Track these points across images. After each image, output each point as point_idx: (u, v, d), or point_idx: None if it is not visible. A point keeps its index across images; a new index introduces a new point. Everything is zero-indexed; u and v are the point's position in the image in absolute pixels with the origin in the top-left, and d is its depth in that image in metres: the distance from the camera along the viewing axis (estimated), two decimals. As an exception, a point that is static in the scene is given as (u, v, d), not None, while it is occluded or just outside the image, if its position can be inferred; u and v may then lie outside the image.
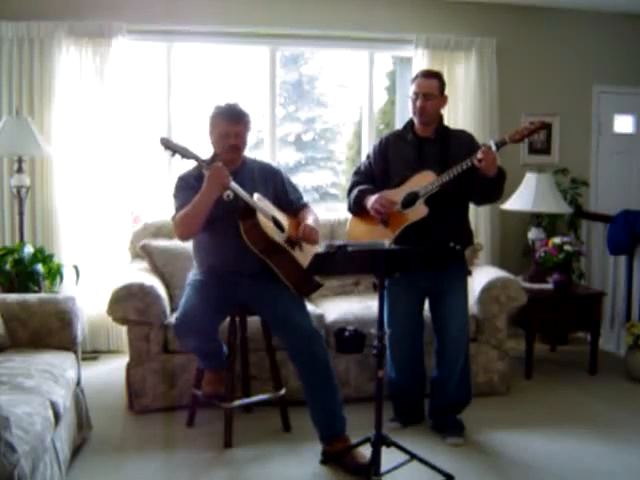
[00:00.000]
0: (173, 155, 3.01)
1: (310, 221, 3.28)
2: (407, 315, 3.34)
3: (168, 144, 3.02)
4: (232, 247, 3.10)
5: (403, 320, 3.31)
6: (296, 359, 3.10)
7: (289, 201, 3.37)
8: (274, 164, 3.65)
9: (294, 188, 3.45)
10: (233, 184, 3.05)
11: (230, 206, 3.09)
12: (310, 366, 3.06)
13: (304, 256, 3.19)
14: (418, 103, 3.20)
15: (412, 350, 3.40)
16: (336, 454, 2.98)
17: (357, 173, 3.48)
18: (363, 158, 5.19)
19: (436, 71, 3.39)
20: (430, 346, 3.43)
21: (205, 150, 3.26)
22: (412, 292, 3.31)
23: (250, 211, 3.09)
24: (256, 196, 3.16)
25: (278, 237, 3.14)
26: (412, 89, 3.25)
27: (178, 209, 3.15)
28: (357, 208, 3.36)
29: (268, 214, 3.16)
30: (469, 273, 3.39)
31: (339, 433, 3.05)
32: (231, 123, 3.16)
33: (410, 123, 3.34)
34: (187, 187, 3.16)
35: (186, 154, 3.03)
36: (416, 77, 3.28)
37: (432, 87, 3.21)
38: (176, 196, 3.21)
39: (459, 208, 3.31)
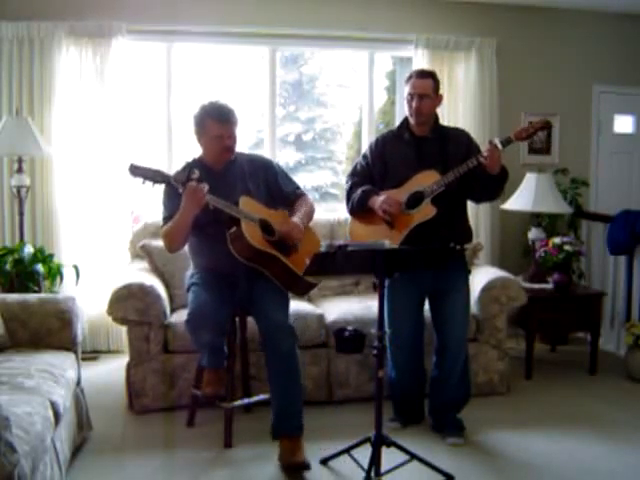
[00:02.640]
0: (144, 182, 2.92)
1: (296, 218, 3.20)
2: (407, 315, 3.33)
3: (135, 172, 2.91)
4: (223, 251, 3.03)
5: (403, 320, 3.31)
6: (264, 348, 3.07)
7: (283, 194, 3.31)
8: (265, 156, 3.49)
9: (288, 179, 3.38)
10: (211, 199, 2.97)
11: (217, 212, 3.02)
12: (276, 358, 3.01)
13: (298, 256, 3.13)
14: (414, 104, 3.20)
15: (412, 350, 3.40)
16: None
17: (354, 174, 3.44)
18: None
19: (430, 70, 3.40)
20: (430, 346, 3.43)
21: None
22: (412, 291, 3.31)
23: (234, 220, 3.02)
24: (242, 200, 3.09)
25: (263, 244, 3.06)
26: (407, 90, 3.25)
27: (165, 219, 3.13)
28: (360, 209, 3.33)
29: (255, 219, 3.09)
30: (469, 272, 3.39)
31: (289, 432, 2.98)
32: (223, 125, 3.10)
33: (405, 122, 3.33)
34: (174, 194, 3.05)
35: (156, 179, 2.93)
36: (410, 77, 3.27)
37: (427, 87, 3.21)
38: (164, 204, 3.17)
39: (459, 207, 3.31)
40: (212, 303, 3.04)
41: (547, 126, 3.10)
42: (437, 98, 3.28)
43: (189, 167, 3.06)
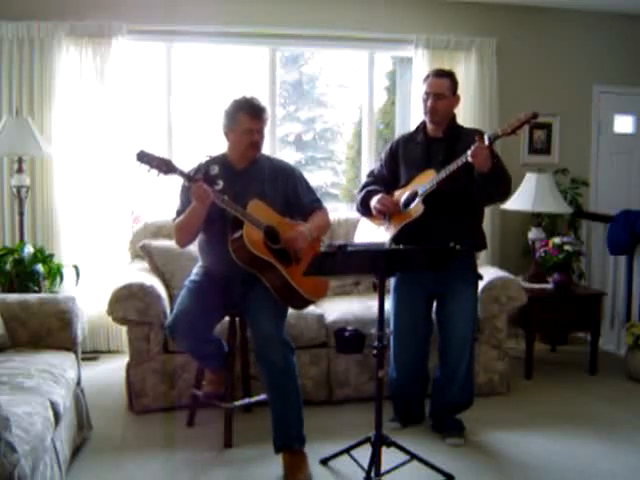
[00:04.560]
0: (149, 171, 2.88)
1: (303, 227, 3.12)
2: (412, 316, 3.32)
3: (142, 158, 2.88)
4: (223, 252, 3.00)
5: (407, 321, 3.30)
6: (257, 359, 3.05)
7: (301, 204, 3.24)
8: (289, 164, 3.45)
9: (309, 190, 3.30)
10: (217, 199, 2.94)
11: (225, 211, 2.99)
12: (267, 369, 2.96)
13: (300, 268, 3.00)
14: (429, 103, 3.20)
15: (416, 351, 3.38)
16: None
17: (369, 176, 3.48)
18: (363, 158, 5.26)
19: (448, 70, 3.36)
20: (433, 346, 3.42)
21: (213, 147, 3.23)
22: (418, 294, 3.29)
23: (238, 222, 2.98)
24: (252, 203, 3.04)
25: (262, 250, 2.99)
26: (424, 89, 3.24)
27: (178, 213, 3.13)
28: (364, 209, 3.37)
29: (261, 224, 3.02)
30: (480, 277, 3.34)
31: (288, 444, 2.93)
32: (254, 119, 3.07)
33: (422, 124, 3.33)
34: (189, 188, 3.03)
35: (162, 169, 2.89)
36: (428, 76, 3.26)
37: (443, 87, 3.20)
38: (180, 196, 3.17)
39: (465, 209, 3.21)
40: (193, 311, 3.03)
41: (533, 118, 3.08)
42: (454, 99, 3.26)
43: (210, 162, 3.06)
